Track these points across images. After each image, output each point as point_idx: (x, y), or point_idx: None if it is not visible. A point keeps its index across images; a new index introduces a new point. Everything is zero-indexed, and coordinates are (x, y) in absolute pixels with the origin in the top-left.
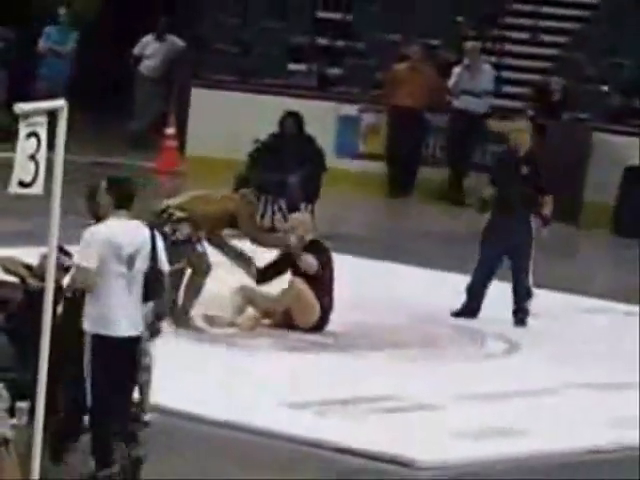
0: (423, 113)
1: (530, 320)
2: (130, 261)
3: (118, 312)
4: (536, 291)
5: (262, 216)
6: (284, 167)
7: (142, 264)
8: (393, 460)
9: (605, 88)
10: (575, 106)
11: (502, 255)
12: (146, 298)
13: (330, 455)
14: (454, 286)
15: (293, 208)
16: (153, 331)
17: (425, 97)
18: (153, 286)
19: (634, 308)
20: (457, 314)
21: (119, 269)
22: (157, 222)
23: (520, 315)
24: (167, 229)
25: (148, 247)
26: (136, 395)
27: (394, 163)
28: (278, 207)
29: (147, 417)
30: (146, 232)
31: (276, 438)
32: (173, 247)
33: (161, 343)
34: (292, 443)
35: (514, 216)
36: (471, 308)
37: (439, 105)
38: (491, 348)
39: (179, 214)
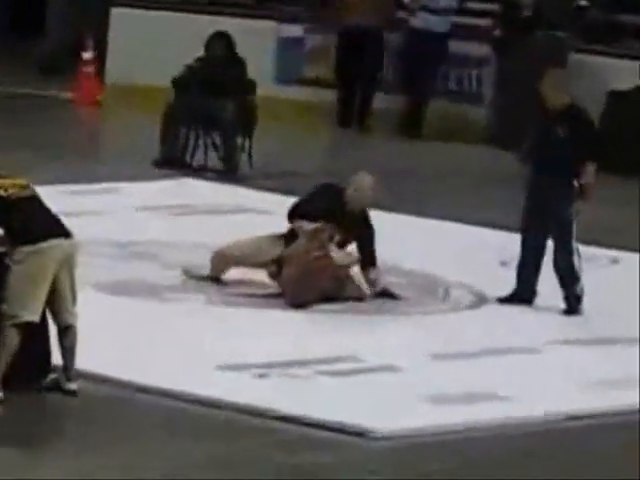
0: (379, 32)
1: (500, 268)
2: None
3: None
4: (502, 232)
5: (193, 151)
6: (215, 96)
7: None
8: (345, 429)
9: (584, 2)
10: (549, 23)
11: (546, 233)
12: None
13: (272, 424)
14: (412, 229)
15: (228, 142)
16: None
17: (376, 14)
18: None
19: (620, 254)
20: (505, 300)
21: None
22: None
23: (571, 302)
24: None
25: None
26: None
27: (345, 89)
28: (211, 141)
29: (73, 385)
30: None
31: (211, 405)
32: None
33: (82, 300)
34: (228, 410)
35: (554, 187)
36: (523, 294)
37: (390, 23)
38: (456, 300)
39: None
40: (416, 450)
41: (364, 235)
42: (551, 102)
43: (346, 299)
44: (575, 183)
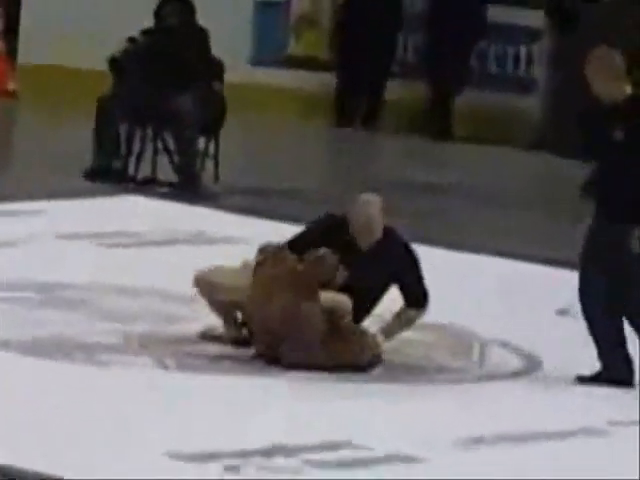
0: None
1: (559, 320)
2: None
3: None
4: (561, 270)
5: (138, 158)
6: (167, 82)
7: None
8: None
9: None
10: None
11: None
12: None
13: None
14: (437, 265)
15: (185, 145)
16: None
17: None
18: None
19: None
20: (590, 380)
21: None
22: None
23: None
24: None
25: None
26: None
27: (346, 73)
28: (162, 144)
29: None
30: None
31: None
32: None
33: None
34: None
35: (618, 217)
36: (613, 371)
37: None
38: (496, 364)
39: None
40: None
41: (401, 265)
42: (603, 93)
43: (360, 368)
44: None
